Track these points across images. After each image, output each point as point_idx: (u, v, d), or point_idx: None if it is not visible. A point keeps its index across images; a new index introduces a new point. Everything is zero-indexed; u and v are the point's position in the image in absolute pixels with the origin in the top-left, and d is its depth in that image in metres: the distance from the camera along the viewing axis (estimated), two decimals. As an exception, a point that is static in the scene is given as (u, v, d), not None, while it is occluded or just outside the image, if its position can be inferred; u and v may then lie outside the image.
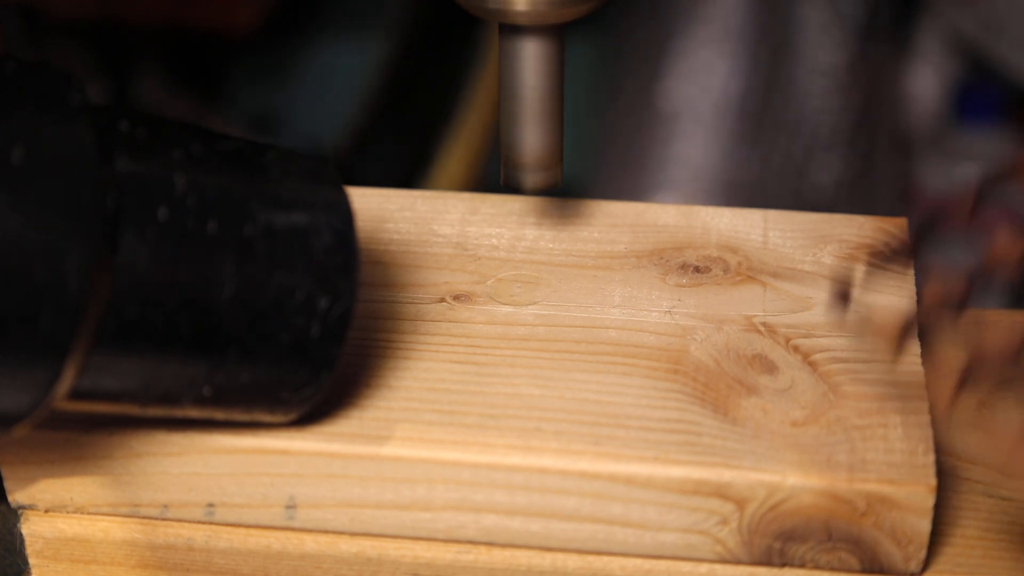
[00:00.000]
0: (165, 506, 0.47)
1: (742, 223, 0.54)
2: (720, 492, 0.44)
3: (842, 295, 0.47)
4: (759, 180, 1.52)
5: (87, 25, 1.43)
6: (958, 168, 1.83)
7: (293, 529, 0.47)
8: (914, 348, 0.47)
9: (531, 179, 0.50)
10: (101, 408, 0.41)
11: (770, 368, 0.47)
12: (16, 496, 0.48)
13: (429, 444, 0.45)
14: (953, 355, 0.40)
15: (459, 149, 1.49)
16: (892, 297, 0.49)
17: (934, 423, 0.44)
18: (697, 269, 0.52)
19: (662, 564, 0.45)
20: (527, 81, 0.49)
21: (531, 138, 0.50)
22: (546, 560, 0.46)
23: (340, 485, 0.45)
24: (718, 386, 0.46)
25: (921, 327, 0.45)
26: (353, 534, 0.46)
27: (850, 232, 0.53)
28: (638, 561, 0.45)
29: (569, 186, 0.61)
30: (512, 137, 0.50)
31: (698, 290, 0.51)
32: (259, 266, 0.40)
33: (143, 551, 0.47)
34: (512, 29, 0.48)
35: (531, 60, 0.48)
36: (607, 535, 0.45)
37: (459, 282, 0.52)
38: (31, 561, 0.48)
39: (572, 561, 0.45)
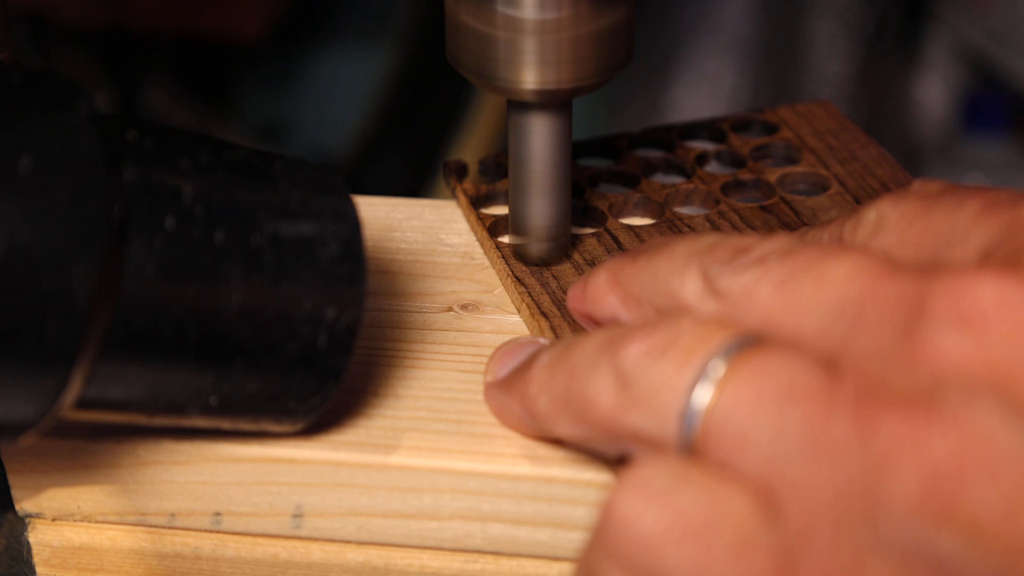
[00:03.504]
0: (172, 515, 0.47)
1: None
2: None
3: None
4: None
5: (95, 34, 1.43)
6: (966, 177, 1.83)
7: (300, 538, 0.47)
8: None
9: (537, 248, 0.51)
10: (108, 417, 0.41)
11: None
12: (23, 505, 0.48)
13: (436, 453, 0.45)
14: None
15: (466, 158, 1.49)
16: None
17: None
18: None
19: (669, 574, 0.45)
20: (536, 154, 0.50)
21: (539, 209, 0.51)
22: (553, 570, 0.46)
23: (347, 494, 0.45)
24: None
25: None
26: (360, 543, 0.46)
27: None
28: (645, 571, 0.45)
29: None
30: (520, 207, 0.51)
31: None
32: (266, 276, 0.40)
33: (150, 560, 0.47)
34: (521, 104, 0.49)
35: (540, 134, 0.49)
36: (614, 545, 0.45)
37: (466, 291, 0.52)
38: (38, 570, 0.48)
39: (579, 571, 0.45)
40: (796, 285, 0.38)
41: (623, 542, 0.36)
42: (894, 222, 0.41)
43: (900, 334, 0.36)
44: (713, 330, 0.38)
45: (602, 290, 0.44)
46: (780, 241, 0.40)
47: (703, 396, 0.37)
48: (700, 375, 0.37)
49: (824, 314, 0.37)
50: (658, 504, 0.36)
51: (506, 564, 0.46)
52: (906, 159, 1.77)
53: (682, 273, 0.41)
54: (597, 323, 0.46)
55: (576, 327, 0.48)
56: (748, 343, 0.37)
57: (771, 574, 0.35)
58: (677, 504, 0.36)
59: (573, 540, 0.45)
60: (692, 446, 0.37)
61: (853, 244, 0.42)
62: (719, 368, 0.37)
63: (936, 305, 0.35)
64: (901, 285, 0.36)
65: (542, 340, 0.46)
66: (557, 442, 0.44)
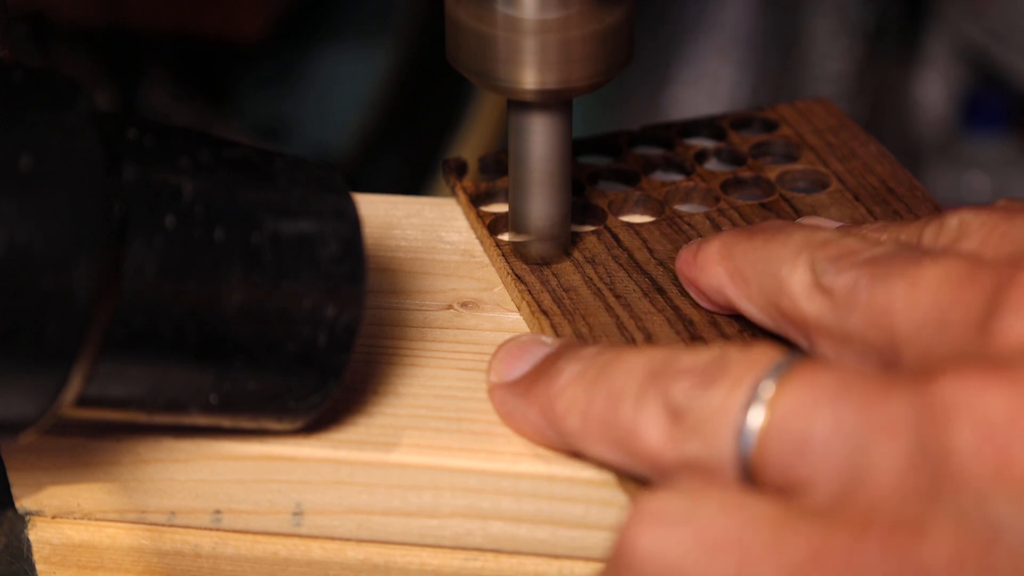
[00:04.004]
0: (172, 512, 0.47)
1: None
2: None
3: None
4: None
5: (95, 32, 1.43)
6: (966, 176, 1.83)
7: (300, 536, 0.47)
8: None
9: (537, 248, 0.51)
10: (108, 415, 0.41)
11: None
12: (23, 502, 0.48)
13: (436, 451, 0.45)
14: None
15: (466, 156, 1.49)
16: None
17: None
18: None
19: (669, 571, 0.45)
20: (536, 153, 0.50)
21: (539, 208, 0.51)
22: (553, 567, 0.46)
23: (347, 492, 0.45)
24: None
25: None
26: (360, 541, 0.46)
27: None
28: (645, 568, 0.45)
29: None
30: (520, 206, 0.51)
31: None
32: (266, 274, 0.41)
33: (150, 557, 0.47)
34: (521, 104, 0.49)
35: (540, 134, 0.49)
36: (614, 542, 0.45)
37: (466, 289, 0.52)
38: (38, 567, 0.48)
39: (579, 568, 0.45)
40: (891, 288, 0.39)
41: (652, 575, 0.36)
42: (975, 229, 0.41)
43: (976, 329, 0.36)
44: (760, 354, 0.38)
45: (712, 260, 0.45)
46: (886, 246, 0.41)
47: (756, 416, 0.37)
48: (752, 397, 0.37)
49: (915, 318, 0.38)
50: (679, 526, 0.36)
51: (506, 562, 0.46)
52: (906, 157, 1.77)
53: (793, 263, 0.42)
54: (701, 291, 0.47)
55: (575, 326, 0.48)
56: (796, 360, 0.37)
57: (813, 563, 0.35)
58: (699, 521, 0.36)
59: (573, 538, 0.45)
60: (750, 466, 0.37)
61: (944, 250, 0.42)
62: (769, 388, 0.37)
63: (1010, 296, 0.36)
64: (981, 285, 0.37)
65: (545, 338, 0.46)
66: (568, 452, 0.44)
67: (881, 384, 0.36)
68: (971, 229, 0.41)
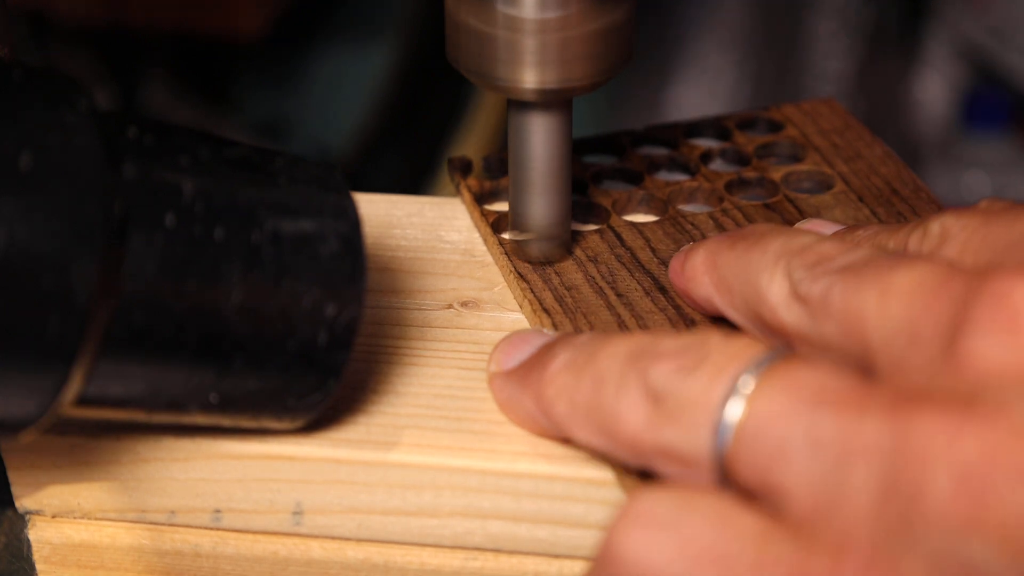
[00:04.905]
0: (172, 512, 0.47)
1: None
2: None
3: None
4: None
5: (95, 31, 1.43)
6: (966, 175, 1.83)
7: (300, 535, 0.47)
8: None
9: (537, 247, 0.51)
10: (108, 414, 0.41)
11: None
12: (23, 501, 0.48)
13: (436, 450, 0.45)
14: None
15: (468, 155, 1.49)
16: None
17: None
18: None
19: (669, 571, 0.45)
20: (536, 153, 0.50)
21: (539, 208, 0.51)
22: (552, 567, 0.46)
23: (347, 491, 0.45)
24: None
25: None
26: (360, 540, 0.46)
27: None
28: (645, 568, 0.45)
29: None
30: (520, 205, 0.51)
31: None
32: (266, 273, 0.40)
33: (150, 557, 0.47)
34: (521, 104, 0.49)
35: (540, 133, 0.49)
36: (614, 542, 0.45)
37: (467, 288, 0.52)
38: (38, 567, 0.48)
39: (579, 568, 0.45)
40: (862, 296, 0.38)
41: None
42: (955, 233, 0.41)
43: (945, 344, 0.36)
44: (743, 347, 0.38)
45: (698, 271, 0.46)
46: (862, 251, 0.40)
47: (734, 411, 0.37)
48: (731, 390, 0.37)
49: (886, 327, 0.38)
50: (666, 533, 0.36)
51: (506, 561, 0.46)
52: (906, 157, 1.77)
53: (771, 272, 0.42)
54: (693, 300, 0.47)
55: (576, 324, 0.48)
56: (777, 357, 0.37)
57: None
58: (686, 530, 0.36)
59: (573, 537, 0.45)
60: (725, 462, 0.37)
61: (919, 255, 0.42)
62: (749, 383, 0.37)
63: (977, 311, 0.35)
64: (950, 295, 0.36)
65: (546, 331, 0.46)
66: (561, 439, 0.44)
67: (859, 396, 0.35)
68: (952, 234, 0.41)
